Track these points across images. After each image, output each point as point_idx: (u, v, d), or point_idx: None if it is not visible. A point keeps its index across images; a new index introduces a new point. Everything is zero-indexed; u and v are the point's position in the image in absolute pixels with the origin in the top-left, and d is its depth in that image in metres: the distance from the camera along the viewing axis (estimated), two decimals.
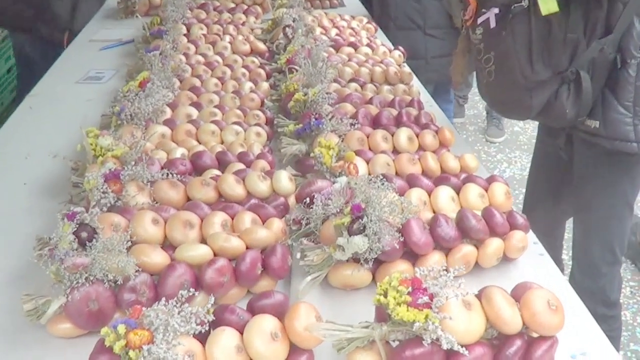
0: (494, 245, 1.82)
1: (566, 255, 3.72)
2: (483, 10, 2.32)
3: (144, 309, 1.34)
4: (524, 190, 3.20)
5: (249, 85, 2.94)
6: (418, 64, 3.85)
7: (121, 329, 1.29)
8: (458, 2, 2.75)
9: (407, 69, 3.37)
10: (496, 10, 2.28)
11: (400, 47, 3.53)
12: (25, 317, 1.54)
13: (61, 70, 3.54)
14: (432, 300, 1.36)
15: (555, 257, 2.93)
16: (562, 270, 3.16)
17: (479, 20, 2.34)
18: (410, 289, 1.37)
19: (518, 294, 1.46)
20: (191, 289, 1.39)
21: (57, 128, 2.71)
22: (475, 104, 6.77)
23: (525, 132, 6.27)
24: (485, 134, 6.16)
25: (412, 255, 1.76)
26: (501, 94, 2.47)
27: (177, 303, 1.36)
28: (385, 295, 1.38)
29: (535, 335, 1.45)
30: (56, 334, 1.57)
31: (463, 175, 2.13)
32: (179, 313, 1.34)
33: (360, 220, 1.65)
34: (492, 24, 2.29)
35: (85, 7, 4.55)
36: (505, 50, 2.31)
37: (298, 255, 1.74)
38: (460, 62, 2.74)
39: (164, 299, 1.37)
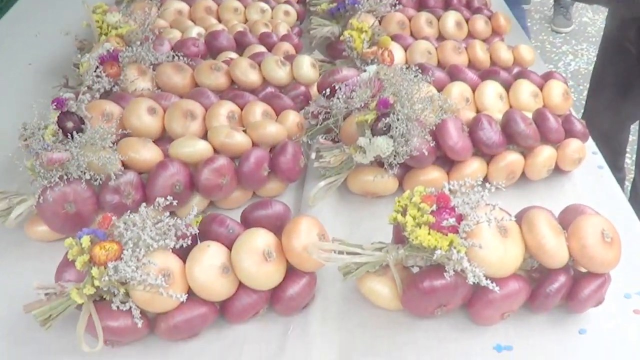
0: (544, 154, 1.56)
1: (629, 160, 3.43)
2: None
3: (114, 218, 1.15)
4: (588, 86, 2.90)
5: None
6: None
7: (85, 241, 1.10)
8: None
9: None
10: None
11: None
12: None
13: None
14: (459, 224, 1.13)
15: (617, 163, 2.72)
16: (623, 178, 2.93)
17: None
18: (434, 207, 1.14)
19: (567, 220, 1.22)
20: (169, 197, 1.18)
21: (73, 3, 2.46)
22: None
23: (594, 23, 5.85)
24: (552, 23, 5.77)
25: (447, 161, 1.53)
26: None
27: (156, 209, 1.17)
28: (404, 213, 1.15)
29: (583, 270, 1.22)
30: (33, 236, 1.40)
31: (515, 70, 1.84)
32: (154, 225, 1.14)
33: (385, 118, 1.41)
34: None
35: None
36: None
37: (313, 156, 1.52)
38: None
39: (143, 204, 1.18)
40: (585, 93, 3.42)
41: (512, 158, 1.55)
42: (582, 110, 2.74)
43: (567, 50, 5.47)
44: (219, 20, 2.13)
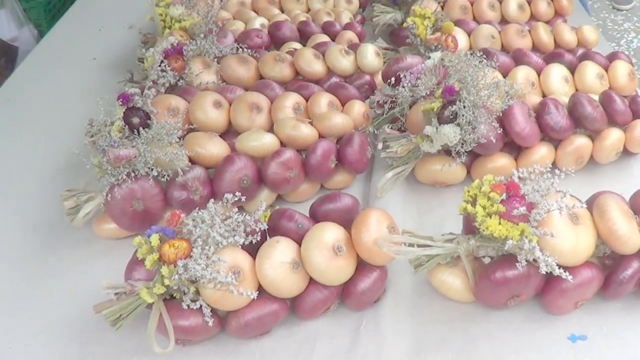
0: (612, 137, 1.52)
1: None
2: None
3: (182, 215, 1.14)
4: None
5: None
6: None
7: (154, 239, 1.09)
8: None
9: None
10: None
11: None
12: (66, 215, 1.37)
13: None
14: (530, 212, 1.09)
15: None
16: None
17: None
18: (504, 196, 1.11)
19: (638, 204, 1.19)
20: (237, 193, 1.16)
21: None
22: None
23: None
24: (612, 1, 5.64)
25: (514, 147, 1.49)
26: None
27: (224, 205, 1.16)
28: (474, 203, 1.12)
29: None
30: (101, 234, 1.40)
31: (580, 51, 1.80)
32: (223, 221, 1.13)
33: (452, 106, 1.37)
34: None
35: None
36: None
37: (380, 146, 1.49)
38: None
39: (211, 201, 1.17)
40: None
41: (580, 142, 1.51)
42: None
43: (629, 27, 5.34)
44: (282, 10, 2.11)
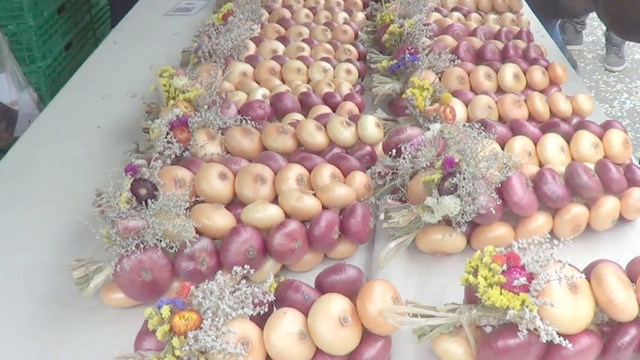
0: (608, 205, 1.56)
1: None
2: None
3: (192, 287, 1.16)
4: None
5: (342, 15, 2.70)
6: None
7: (165, 311, 1.12)
8: None
9: None
10: None
11: None
12: (75, 285, 1.39)
13: (151, 1, 3.37)
14: (530, 282, 1.13)
15: None
16: None
17: None
18: (505, 266, 1.14)
19: (635, 272, 1.23)
20: (246, 266, 1.19)
21: (140, 65, 2.51)
22: (594, 29, 6.30)
23: None
24: (605, 63, 5.75)
25: (513, 216, 1.53)
26: (622, 11, 2.15)
27: (233, 278, 1.19)
28: (476, 274, 1.15)
29: None
30: (109, 304, 1.42)
31: (575, 120, 1.87)
32: (232, 293, 1.16)
33: (452, 177, 1.41)
34: None
35: None
36: None
37: (382, 216, 1.52)
38: None
39: (219, 272, 1.20)
40: None
41: (577, 211, 1.55)
42: None
43: (622, 88, 5.44)
44: (283, 81, 2.16)
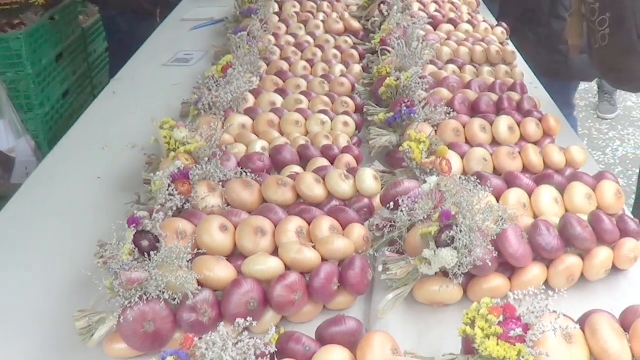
0: (601, 255, 1.59)
1: None
2: None
3: (195, 339, 1.19)
4: (637, 171, 2.90)
5: (339, 68, 2.75)
6: None
7: None
8: None
9: (510, 47, 3.08)
10: None
11: (504, 24, 3.27)
12: (78, 335, 1.41)
13: (149, 52, 3.43)
14: (526, 333, 1.16)
15: None
16: None
17: None
18: (501, 318, 1.17)
19: (628, 321, 1.26)
20: (248, 318, 1.22)
21: (139, 116, 2.56)
22: None
23: (639, 107, 5.88)
24: (597, 110, 5.84)
25: (508, 267, 1.56)
26: (614, 61, 2.22)
27: (235, 329, 1.20)
28: (473, 325, 1.18)
29: None
30: (112, 354, 1.43)
31: (568, 171, 1.91)
32: (235, 345, 1.18)
33: (449, 230, 1.44)
34: None
35: None
36: (623, 10, 2.05)
37: (380, 268, 1.55)
38: (577, 23, 2.48)
39: (221, 324, 1.22)
40: (634, 178, 3.42)
41: (571, 261, 1.58)
42: (633, 196, 2.73)
43: (614, 136, 5.50)
44: (281, 133, 2.19)
